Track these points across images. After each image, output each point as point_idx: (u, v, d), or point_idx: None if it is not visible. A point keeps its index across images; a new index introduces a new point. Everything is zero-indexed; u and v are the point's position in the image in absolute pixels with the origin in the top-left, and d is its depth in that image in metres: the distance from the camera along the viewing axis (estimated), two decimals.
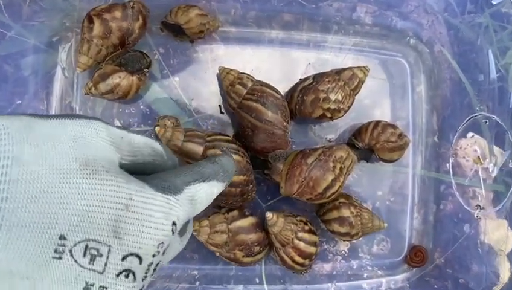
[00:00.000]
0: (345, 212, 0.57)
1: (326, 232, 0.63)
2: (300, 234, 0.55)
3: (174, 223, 0.26)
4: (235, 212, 0.56)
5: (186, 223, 0.31)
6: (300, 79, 0.62)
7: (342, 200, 0.59)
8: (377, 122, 0.61)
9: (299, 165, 0.54)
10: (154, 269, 0.26)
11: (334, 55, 0.66)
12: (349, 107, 0.59)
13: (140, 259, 0.24)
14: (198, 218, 0.56)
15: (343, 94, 0.58)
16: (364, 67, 0.60)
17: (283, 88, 0.63)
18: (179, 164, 0.53)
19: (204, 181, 0.30)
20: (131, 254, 0.23)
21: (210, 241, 0.55)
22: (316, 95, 0.58)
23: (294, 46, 0.65)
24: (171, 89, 0.63)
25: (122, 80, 0.56)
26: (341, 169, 0.55)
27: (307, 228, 0.57)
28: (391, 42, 0.66)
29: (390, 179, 0.66)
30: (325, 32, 0.65)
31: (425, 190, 0.66)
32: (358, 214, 0.58)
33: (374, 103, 0.66)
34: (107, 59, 0.57)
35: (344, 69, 0.60)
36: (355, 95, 0.60)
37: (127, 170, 0.27)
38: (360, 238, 0.61)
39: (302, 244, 0.55)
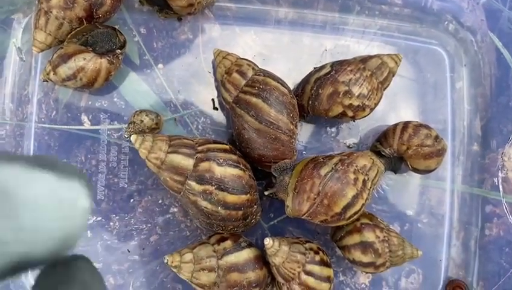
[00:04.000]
0: (369, 236, 0.46)
1: (342, 260, 0.52)
2: (309, 267, 0.44)
3: None
4: (228, 243, 0.45)
5: None
6: (315, 68, 0.50)
7: (364, 221, 0.47)
8: (406, 123, 0.50)
9: (310, 178, 0.43)
10: None
11: (355, 41, 0.54)
12: (376, 105, 0.48)
13: None
14: (179, 250, 0.45)
15: (369, 87, 0.46)
16: (396, 55, 0.49)
17: (292, 81, 0.53)
18: (161, 185, 0.39)
19: None
20: None
21: (195, 280, 0.44)
22: (334, 88, 0.46)
23: (306, 29, 0.54)
24: (153, 78, 0.52)
25: (87, 62, 0.44)
26: (364, 182, 0.44)
27: (318, 258, 0.45)
28: (425, 27, 0.55)
29: (423, 195, 0.54)
30: (345, 12, 0.54)
31: (466, 210, 0.54)
32: (386, 238, 0.46)
33: (402, 102, 0.55)
34: (69, 36, 0.45)
35: (371, 57, 0.48)
36: (384, 89, 0.48)
37: None
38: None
39: (311, 280, 0.44)
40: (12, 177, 0.12)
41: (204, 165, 0.42)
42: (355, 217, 0.44)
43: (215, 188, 0.42)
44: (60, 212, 0.13)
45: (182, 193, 0.43)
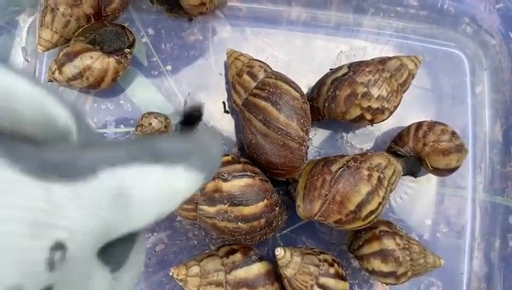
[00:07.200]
0: (389, 243, 0.43)
1: (358, 272, 0.49)
2: (323, 280, 0.41)
3: (58, 247, 0.12)
4: (237, 256, 0.42)
5: (127, 244, 0.16)
6: (331, 69, 0.48)
7: (383, 228, 0.45)
8: (421, 122, 0.48)
9: (320, 174, 0.41)
10: None
11: (370, 43, 0.52)
12: (395, 108, 0.45)
13: None
14: (185, 262, 0.43)
15: (389, 89, 0.44)
16: (415, 57, 0.47)
17: (306, 84, 0.51)
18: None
19: (156, 162, 0.15)
20: None
21: None
22: (352, 89, 0.44)
23: (320, 30, 0.52)
24: (162, 80, 0.50)
25: (94, 61, 0.42)
26: (380, 179, 0.42)
27: (332, 271, 0.42)
28: (443, 29, 0.53)
29: (443, 204, 0.52)
30: (359, 13, 0.52)
31: (488, 220, 0.51)
32: (406, 246, 0.44)
33: (420, 106, 0.52)
34: (76, 34, 0.43)
35: (390, 58, 0.46)
36: (404, 92, 0.46)
37: None
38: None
39: None
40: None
41: (210, 186, 0.40)
42: (372, 217, 0.41)
43: (228, 205, 0.39)
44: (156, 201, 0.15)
45: (198, 219, 0.41)
